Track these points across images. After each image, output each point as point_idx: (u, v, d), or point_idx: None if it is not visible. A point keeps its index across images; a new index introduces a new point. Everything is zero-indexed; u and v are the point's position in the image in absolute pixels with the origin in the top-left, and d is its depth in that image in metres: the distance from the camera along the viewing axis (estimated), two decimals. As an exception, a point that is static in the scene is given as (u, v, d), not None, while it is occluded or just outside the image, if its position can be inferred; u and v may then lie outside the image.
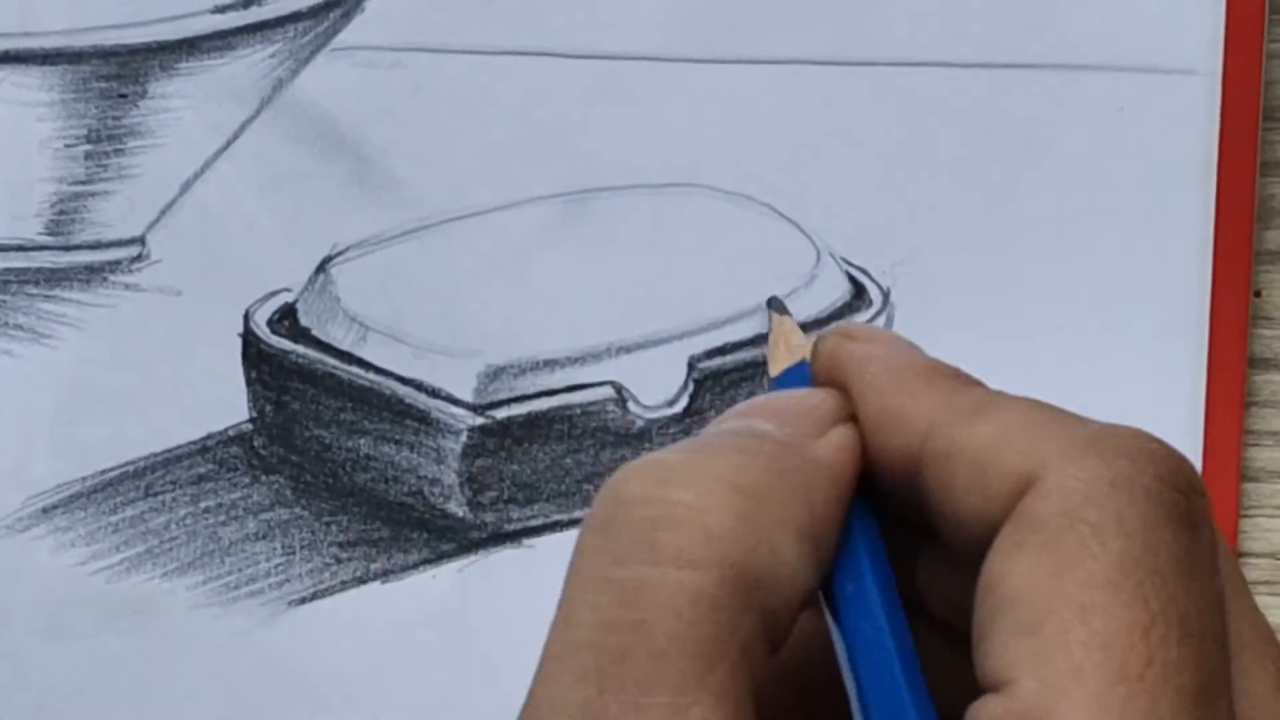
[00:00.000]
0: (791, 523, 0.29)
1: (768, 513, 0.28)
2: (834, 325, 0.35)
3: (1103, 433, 0.28)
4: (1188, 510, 0.27)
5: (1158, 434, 0.42)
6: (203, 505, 0.43)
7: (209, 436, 0.43)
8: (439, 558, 0.43)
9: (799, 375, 0.35)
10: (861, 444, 0.31)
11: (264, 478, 0.43)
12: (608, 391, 0.43)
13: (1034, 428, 0.28)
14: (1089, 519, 0.27)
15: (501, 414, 0.43)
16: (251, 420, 0.43)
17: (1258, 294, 0.43)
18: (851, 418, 0.31)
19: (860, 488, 0.31)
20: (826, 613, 0.30)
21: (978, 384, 0.31)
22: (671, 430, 0.43)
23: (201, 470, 0.43)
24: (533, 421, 0.43)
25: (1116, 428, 0.29)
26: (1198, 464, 0.42)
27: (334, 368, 0.42)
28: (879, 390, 0.31)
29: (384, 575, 0.43)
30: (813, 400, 0.32)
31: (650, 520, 0.28)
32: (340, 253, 0.43)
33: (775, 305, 0.40)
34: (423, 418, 0.42)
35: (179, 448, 0.43)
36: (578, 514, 0.42)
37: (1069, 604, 0.26)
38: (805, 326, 0.43)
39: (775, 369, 0.38)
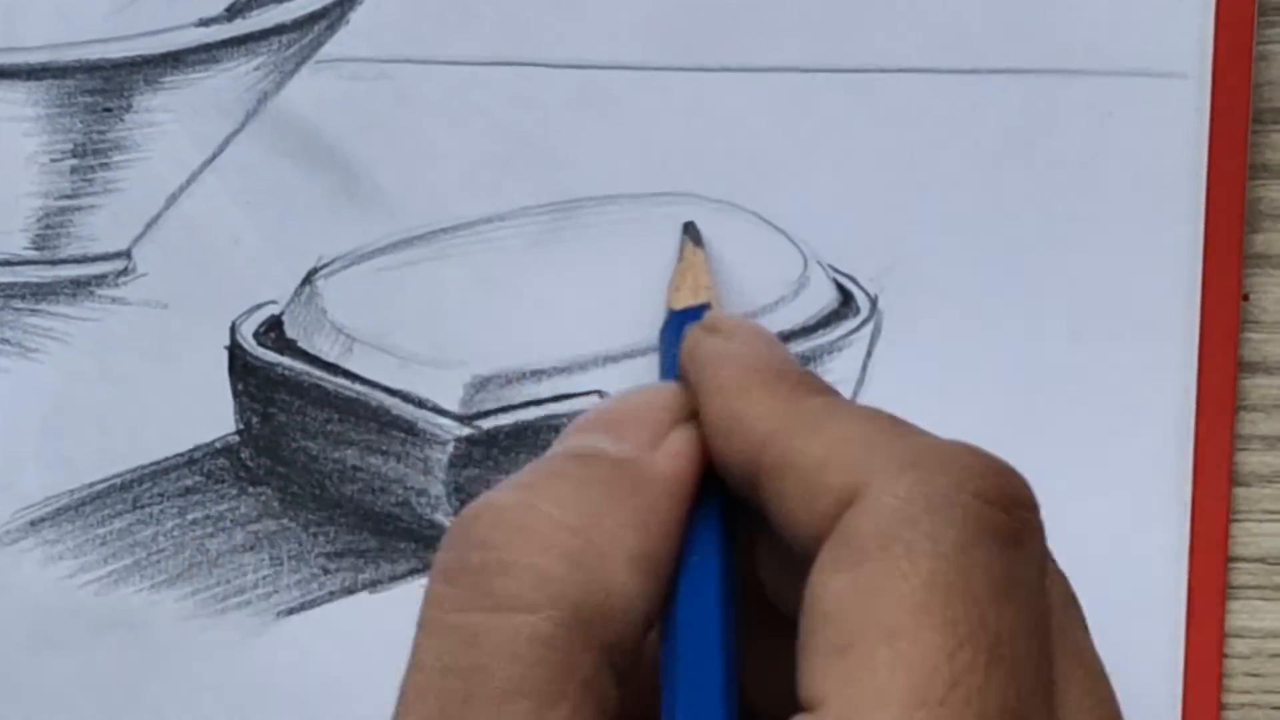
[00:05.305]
0: (624, 553, 0.29)
1: (598, 548, 0.29)
2: (707, 314, 0.35)
3: (927, 449, 0.28)
4: (1009, 527, 0.27)
5: (1146, 439, 0.43)
6: (190, 517, 0.43)
7: (196, 449, 0.43)
8: (427, 568, 0.43)
9: (695, 316, 0.35)
10: (702, 446, 0.31)
11: (251, 489, 0.43)
12: (595, 401, 0.43)
13: (861, 442, 0.28)
14: (904, 538, 0.27)
15: (488, 424, 0.43)
16: (239, 432, 0.43)
17: (1246, 297, 0.43)
18: (695, 415, 0.32)
19: (707, 482, 0.31)
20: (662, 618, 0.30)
21: (824, 391, 0.31)
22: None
23: (189, 482, 0.43)
24: (520, 431, 0.43)
25: (942, 443, 0.29)
26: (1188, 470, 0.42)
27: (320, 379, 0.43)
28: (723, 393, 0.31)
29: (372, 585, 0.43)
30: (654, 403, 0.32)
31: (484, 566, 0.28)
32: (326, 265, 0.43)
33: (691, 233, 0.40)
34: (409, 428, 0.43)
35: (166, 460, 0.43)
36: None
37: (878, 626, 0.26)
38: (793, 334, 0.43)
39: (678, 303, 0.38)
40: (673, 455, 0.31)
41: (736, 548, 0.31)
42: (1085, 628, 0.30)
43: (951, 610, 0.26)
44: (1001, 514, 0.27)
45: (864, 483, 0.27)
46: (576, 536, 0.29)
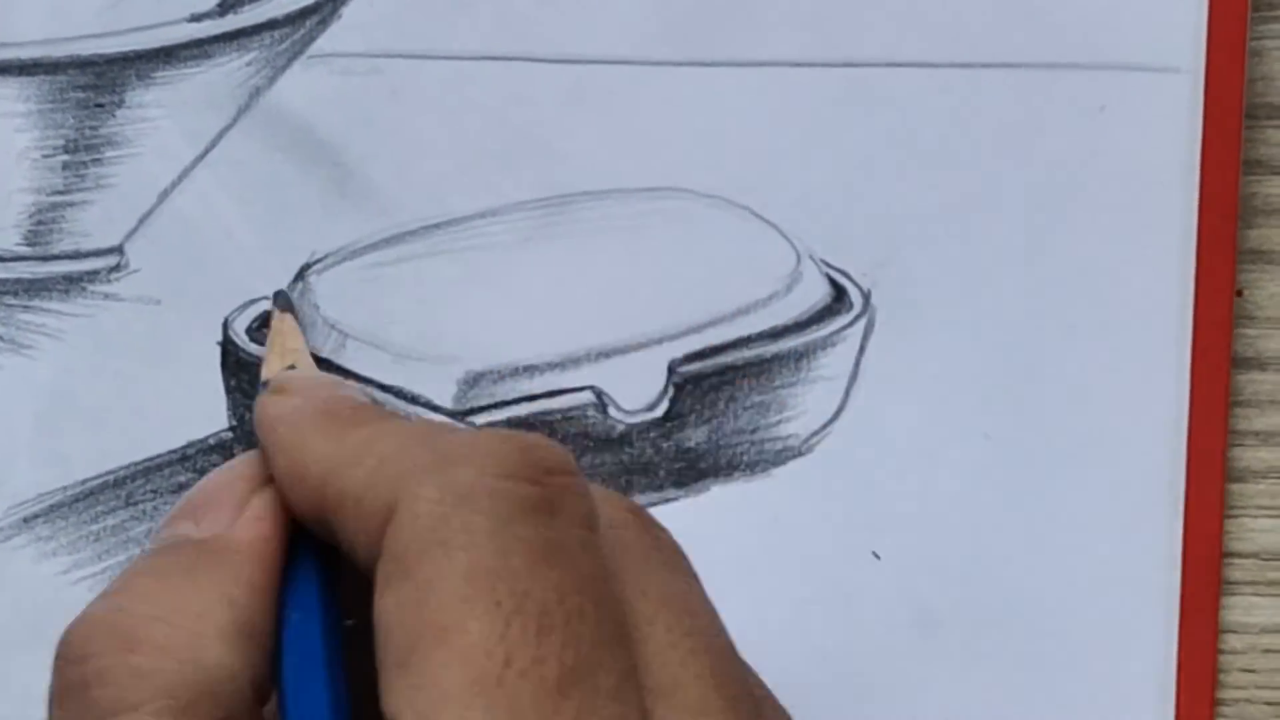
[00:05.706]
0: (215, 630, 0.29)
1: (188, 631, 0.29)
2: (275, 378, 0.35)
3: (450, 447, 0.28)
4: (540, 496, 0.28)
5: (1140, 435, 0.42)
6: (184, 513, 0.43)
7: (189, 445, 0.43)
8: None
9: None
10: (283, 505, 0.31)
11: (245, 485, 0.43)
12: (588, 397, 0.43)
13: (397, 458, 0.29)
14: (439, 538, 0.27)
15: (481, 420, 0.43)
16: (232, 428, 0.43)
17: (1239, 293, 0.43)
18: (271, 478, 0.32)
19: (302, 536, 0.32)
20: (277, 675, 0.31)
21: (373, 421, 0.31)
22: (652, 434, 0.43)
23: (182, 479, 0.43)
24: (512, 427, 0.43)
25: (466, 435, 0.29)
26: (1182, 465, 0.42)
27: (313, 375, 0.43)
28: (285, 448, 0.32)
29: (366, 581, 0.43)
30: (232, 476, 0.33)
31: (83, 679, 0.29)
32: (319, 260, 0.43)
33: (280, 301, 0.40)
34: (403, 424, 0.43)
35: (159, 456, 0.43)
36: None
37: (430, 629, 0.26)
38: (786, 330, 0.43)
39: (268, 372, 0.39)
40: (252, 522, 0.32)
41: (355, 591, 0.31)
42: (676, 569, 0.30)
43: (494, 592, 0.26)
44: (530, 486, 0.28)
45: (398, 496, 0.28)
46: (165, 625, 0.29)
